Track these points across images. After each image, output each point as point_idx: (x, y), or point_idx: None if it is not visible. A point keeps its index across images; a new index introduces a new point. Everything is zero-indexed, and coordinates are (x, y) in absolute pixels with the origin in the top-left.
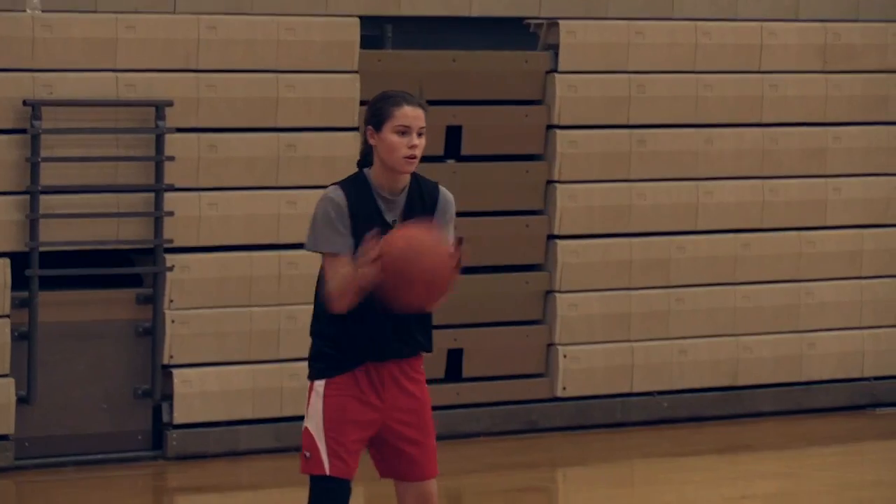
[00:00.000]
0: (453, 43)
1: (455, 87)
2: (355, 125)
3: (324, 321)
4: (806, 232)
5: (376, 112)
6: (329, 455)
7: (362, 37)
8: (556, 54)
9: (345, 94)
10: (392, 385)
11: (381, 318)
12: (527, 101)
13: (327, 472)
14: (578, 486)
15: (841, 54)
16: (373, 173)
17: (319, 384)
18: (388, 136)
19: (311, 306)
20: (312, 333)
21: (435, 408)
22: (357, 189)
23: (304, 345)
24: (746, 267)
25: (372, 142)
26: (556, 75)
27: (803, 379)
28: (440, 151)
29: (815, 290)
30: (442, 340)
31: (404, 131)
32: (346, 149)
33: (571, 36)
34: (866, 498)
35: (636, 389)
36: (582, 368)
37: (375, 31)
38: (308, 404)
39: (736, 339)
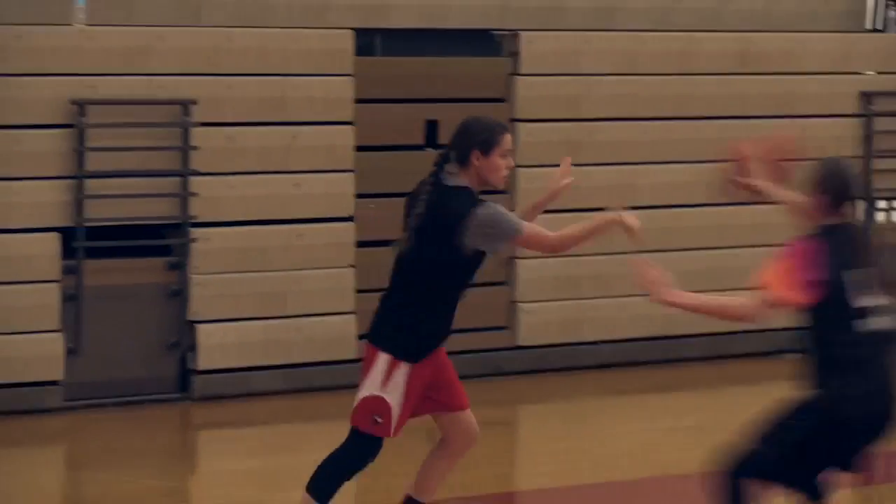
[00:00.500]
0: (432, 50)
1: (433, 87)
2: (350, 120)
3: (423, 311)
4: (724, 207)
5: (486, 138)
6: (397, 425)
7: (356, 45)
8: (518, 60)
9: (341, 94)
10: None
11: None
12: (493, 98)
13: (390, 435)
14: (536, 421)
15: (755, 58)
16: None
17: (406, 366)
18: (496, 159)
19: (319, 272)
20: (405, 317)
21: None
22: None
23: (308, 304)
24: (677, 236)
25: (477, 163)
26: (518, 77)
27: (725, 329)
28: (421, 142)
29: (739, 255)
30: None
31: (505, 155)
32: (343, 139)
33: (531, 44)
34: None
35: (585, 339)
36: (539, 322)
37: (367, 41)
38: (388, 377)
39: None
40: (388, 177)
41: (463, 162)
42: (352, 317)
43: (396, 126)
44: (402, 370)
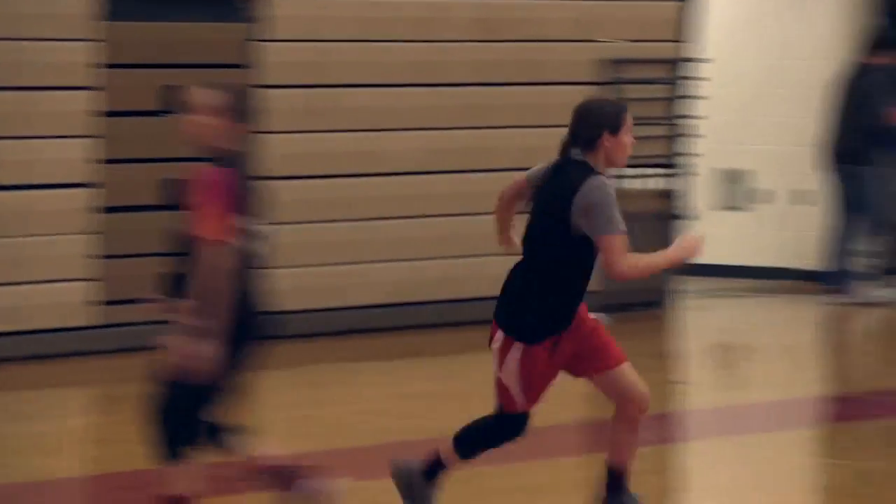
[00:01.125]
0: (181, 16)
1: (175, 53)
2: (89, 85)
3: (542, 293)
4: (470, 174)
5: (615, 119)
6: (526, 400)
7: (110, 11)
8: (263, 25)
9: (78, 59)
10: None
11: None
12: (235, 64)
13: (518, 410)
14: (278, 387)
15: (497, 25)
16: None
17: (519, 347)
18: (624, 138)
19: (54, 238)
20: (525, 297)
21: None
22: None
23: (42, 271)
24: (421, 203)
25: (607, 144)
26: (263, 43)
27: (465, 296)
28: (160, 108)
29: (480, 221)
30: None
31: (629, 133)
32: (79, 105)
33: (275, 9)
34: None
35: (324, 306)
36: (276, 289)
37: (121, 6)
38: (502, 358)
39: (409, 263)
40: (138, 142)
41: (590, 145)
42: (83, 284)
43: (143, 92)
44: (515, 352)
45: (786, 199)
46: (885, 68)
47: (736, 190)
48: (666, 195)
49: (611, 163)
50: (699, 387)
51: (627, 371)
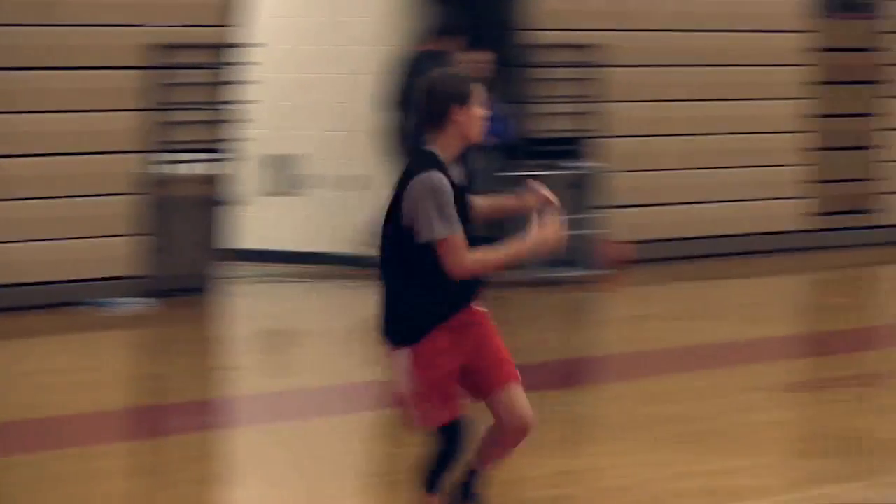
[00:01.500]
0: None
1: None
2: None
3: (406, 291)
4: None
5: (462, 90)
6: (437, 408)
7: None
8: None
9: None
10: None
11: None
12: None
13: (447, 420)
14: None
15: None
16: (439, 150)
17: (402, 350)
18: (475, 109)
19: None
20: (391, 299)
21: None
22: (442, 169)
23: None
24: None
25: (458, 118)
26: None
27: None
28: None
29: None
30: None
31: (481, 103)
32: None
33: None
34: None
35: None
36: None
37: None
38: (395, 367)
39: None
40: None
41: (440, 122)
42: None
43: None
44: (404, 359)
45: (338, 183)
46: (438, 55)
47: (286, 175)
48: (212, 180)
49: (465, 138)
50: (244, 373)
51: (514, 393)
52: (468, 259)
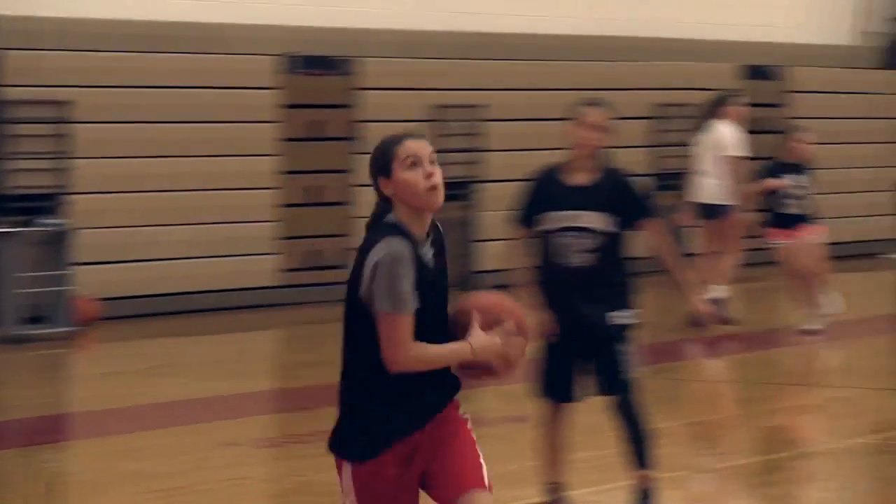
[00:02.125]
0: None
1: None
2: None
3: (357, 395)
4: None
5: (380, 158)
6: None
7: None
8: None
9: None
10: None
11: None
12: None
13: None
14: None
15: None
16: (404, 223)
17: (348, 466)
18: (401, 175)
19: None
20: (343, 404)
21: None
22: (408, 239)
23: None
24: None
25: (387, 191)
26: None
27: None
28: None
29: None
30: None
31: (415, 162)
32: None
33: None
34: None
35: None
36: None
37: None
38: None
39: None
40: None
41: (381, 196)
42: None
43: None
44: (346, 475)
45: None
46: None
47: None
48: None
49: (412, 209)
50: None
51: (477, 500)
52: (413, 348)
